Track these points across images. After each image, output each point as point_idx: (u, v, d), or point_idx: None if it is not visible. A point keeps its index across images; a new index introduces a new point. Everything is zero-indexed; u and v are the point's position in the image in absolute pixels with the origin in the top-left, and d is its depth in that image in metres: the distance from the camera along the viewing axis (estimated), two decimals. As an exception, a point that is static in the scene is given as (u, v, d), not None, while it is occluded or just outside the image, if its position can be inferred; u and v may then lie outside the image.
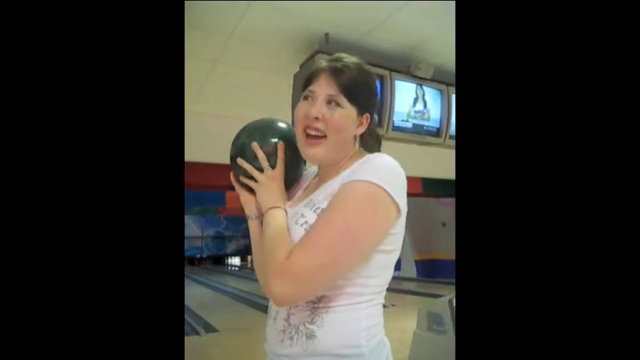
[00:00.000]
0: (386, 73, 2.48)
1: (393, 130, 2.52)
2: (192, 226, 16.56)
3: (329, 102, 0.79)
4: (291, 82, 2.32)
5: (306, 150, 0.80)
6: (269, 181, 0.82)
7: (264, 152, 0.82)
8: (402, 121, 2.58)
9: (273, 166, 0.83)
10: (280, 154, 0.83)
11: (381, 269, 0.77)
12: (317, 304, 0.74)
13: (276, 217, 0.79)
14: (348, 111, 0.79)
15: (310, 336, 0.74)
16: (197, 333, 4.95)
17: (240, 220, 16.94)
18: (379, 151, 0.85)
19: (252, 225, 0.88)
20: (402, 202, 0.75)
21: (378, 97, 2.36)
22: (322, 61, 0.83)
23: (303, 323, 0.74)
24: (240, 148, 0.85)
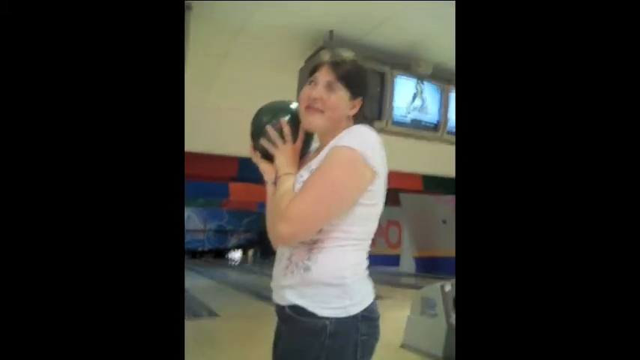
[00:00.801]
0: (387, 69, 2.60)
1: (392, 124, 2.64)
2: (194, 219, 16.71)
3: (327, 87, 0.98)
4: (297, 77, 2.43)
5: (306, 118, 1.00)
6: (288, 151, 1.02)
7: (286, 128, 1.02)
8: (402, 115, 2.69)
9: (294, 140, 1.02)
10: (301, 134, 1.03)
11: (362, 219, 0.96)
12: (312, 245, 0.94)
13: (287, 181, 0.98)
14: (341, 94, 0.99)
15: (306, 269, 0.93)
16: (199, 317, 5.11)
17: (242, 214, 17.08)
18: (368, 123, 1.02)
19: (269, 189, 1.05)
20: (375, 163, 0.93)
21: (375, 88, 2.50)
22: (325, 55, 1.02)
23: (302, 260, 0.94)
24: (267, 121, 1.03)
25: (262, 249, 17.07)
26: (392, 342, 3.54)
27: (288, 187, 0.96)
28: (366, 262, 0.99)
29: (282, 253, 0.99)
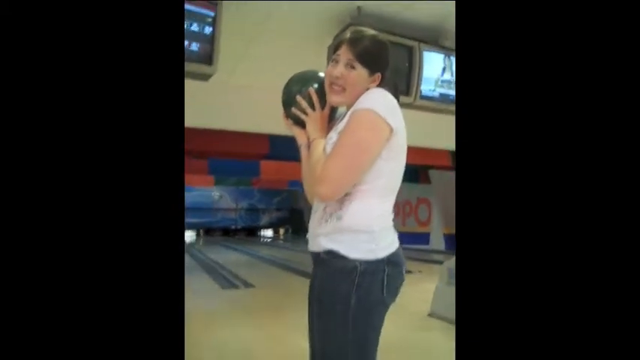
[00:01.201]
0: (415, 44, 2.60)
1: (420, 98, 2.66)
2: (227, 198, 17.15)
3: (347, 65, 1.09)
4: (326, 53, 2.48)
5: (330, 98, 1.13)
6: (317, 117, 1.15)
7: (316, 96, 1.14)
8: (430, 90, 2.71)
9: (322, 107, 1.15)
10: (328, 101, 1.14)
11: (385, 173, 1.08)
12: (343, 198, 1.07)
13: (320, 144, 1.12)
14: (360, 72, 1.09)
15: (339, 218, 1.07)
16: (236, 287, 5.36)
17: (272, 193, 17.36)
18: (392, 91, 1.11)
19: (303, 151, 1.18)
20: (391, 119, 1.05)
21: (403, 63, 2.52)
22: (347, 33, 1.12)
23: (335, 211, 1.08)
24: (297, 90, 1.14)
25: (293, 227, 17.37)
26: (420, 311, 3.67)
27: (320, 152, 1.10)
28: (391, 214, 1.12)
29: (317, 207, 1.13)
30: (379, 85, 1.11)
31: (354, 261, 1.04)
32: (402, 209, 10.56)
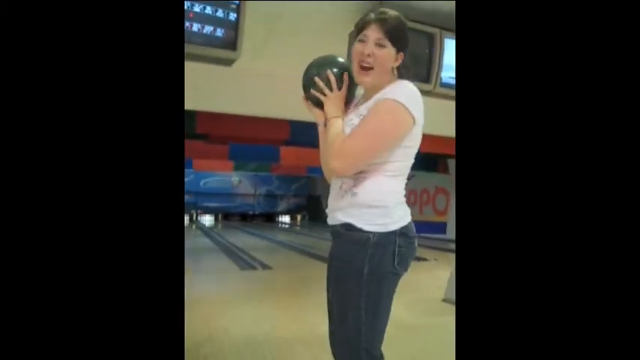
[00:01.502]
0: (436, 31, 2.61)
1: (440, 86, 2.67)
2: (245, 183, 17.34)
3: (377, 44, 1.15)
4: (346, 41, 2.51)
5: (360, 77, 1.19)
6: (335, 98, 1.22)
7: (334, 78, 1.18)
8: (450, 77, 2.71)
9: (339, 88, 1.22)
10: (345, 80, 1.22)
11: (401, 156, 1.18)
12: (358, 175, 1.17)
13: (337, 122, 1.20)
14: (389, 50, 1.17)
15: (354, 194, 1.17)
16: (254, 268, 5.51)
17: (290, 179, 17.46)
18: (411, 78, 1.19)
19: (320, 129, 1.25)
20: (416, 112, 1.14)
21: (424, 50, 2.54)
22: (371, 14, 1.19)
23: (350, 188, 1.18)
24: (316, 73, 1.20)
25: (310, 213, 17.48)
26: (435, 296, 3.74)
27: (338, 129, 1.18)
28: (403, 191, 1.22)
29: (335, 184, 1.24)
30: (401, 64, 1.19)
31: (367, 233, 1.14)
32: (419, 198, 10.53)
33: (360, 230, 1.14)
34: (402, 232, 1.16)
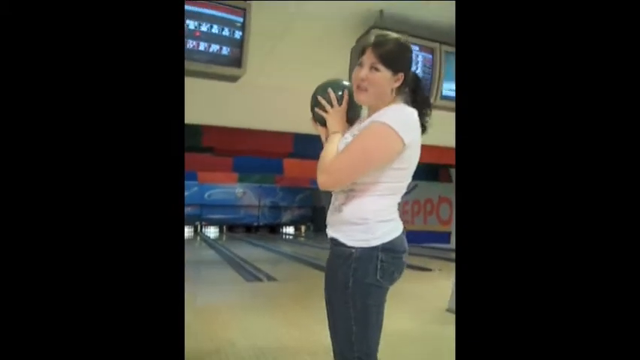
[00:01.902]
0: (436, 45, 2.67)
1: (441, 98, 2.72)
2: (250, 195, 17.41)
3: (371, 67, 1.22)
4: (348, 56, 2.57)
5: (357, 96, 1.27)
6: (336, 113, 1.30)
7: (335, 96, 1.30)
8: (451, 90, 2.76)
9: (340, 104, 1.29)
10: (345, 99, 1.30)
11: (390, 178, 1.22)
12: (348, 193, 1.24)
13: (334, 138, 1.28)
14: (383, 73, 1.22)
15: (340, 211, 1.25)
16: (259, 280, 5.53)
17: (295, 190, 17.50)
18: (415, 99, 1.26)
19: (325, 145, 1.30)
20: (406, 135, 1.18)
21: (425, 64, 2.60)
22: (371, 38, 1.26)
23: (340, 204, 1.26)
24: (319, 94, 1.30)
25: (315, 224, 17.48)
26: (438, 306, 3.75)
27: (332, 145, 1.25)
28: (391, 208, 1.25)
29: (333, 200, 1.31)
30: (402, 84, 1.24)
31: (350, 248, 1.20)
32: (423, 207, 10.54)
33: (344, 245, 1.21)
34: (386, 247, 1.20)
